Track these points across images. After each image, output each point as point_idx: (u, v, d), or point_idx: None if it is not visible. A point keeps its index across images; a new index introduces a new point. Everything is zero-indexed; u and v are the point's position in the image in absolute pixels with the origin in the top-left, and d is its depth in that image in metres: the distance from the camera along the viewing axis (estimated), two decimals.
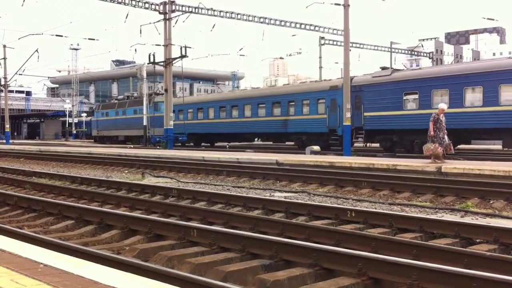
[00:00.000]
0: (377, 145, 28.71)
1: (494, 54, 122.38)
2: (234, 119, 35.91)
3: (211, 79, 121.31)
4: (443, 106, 15.99)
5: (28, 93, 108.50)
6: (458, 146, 29.10)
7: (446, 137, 15.54)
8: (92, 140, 57.70)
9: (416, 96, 24.44)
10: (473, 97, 22.78)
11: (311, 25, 38.34)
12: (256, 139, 41.60)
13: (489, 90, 21.76)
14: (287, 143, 37.84)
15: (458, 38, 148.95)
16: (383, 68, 29.70)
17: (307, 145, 29.23)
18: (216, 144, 41.19)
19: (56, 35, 48.99)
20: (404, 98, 25.29)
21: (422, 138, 21.94)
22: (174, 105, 38.61)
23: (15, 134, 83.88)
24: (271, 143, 41.15)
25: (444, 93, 23.48)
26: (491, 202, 9.87)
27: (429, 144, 15.41)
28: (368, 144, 29.14)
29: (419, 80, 24.81)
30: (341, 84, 26.43)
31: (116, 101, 55.68)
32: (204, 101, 40.32)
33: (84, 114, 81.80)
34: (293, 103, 31.29)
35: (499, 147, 27.55)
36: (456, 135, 21.46)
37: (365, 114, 27.01)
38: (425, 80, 24.47)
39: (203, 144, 40.70)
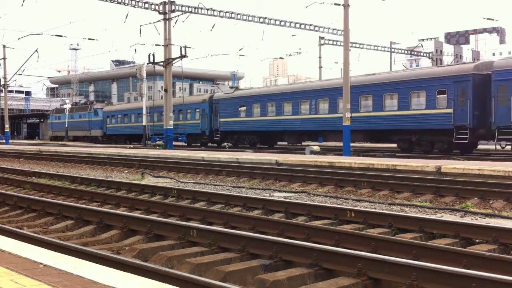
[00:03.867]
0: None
1: (494, 54, 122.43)
2: (140, 123, 46.87)
3: (211, 79, 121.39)
4: None
5: (28, 93, 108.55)
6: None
7: None
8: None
9: (245, 108, 35.54)
10: (288, 107, 32.57)
11: (311, 25, 38.36)
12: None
13: (295, 104, 31.80)
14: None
15: (458, 38, 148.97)
16: (231, 87, 43.99)
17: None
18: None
19: (56, 35, 48.89)
20: (240, 109, 35.97)
21: (251, 137, 35.90)
22: (107, 112, 53.57)
23: (15, 134, 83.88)
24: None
25: (258, 106, 34.43)
26: (491, 202, 9.88)
27: None
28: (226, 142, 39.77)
29: (247, 96, 36.17)
30: (208, 97, 39.65)
31: (66, 106, 65.50)
32: (130, 108, 52.00)
33: None
34: (181, 111, 41.26)
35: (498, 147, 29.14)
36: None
37: (220, 119, 37.55)
38: (249, 97, 35.75)
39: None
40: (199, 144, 40.22)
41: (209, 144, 39.89)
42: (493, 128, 22.53)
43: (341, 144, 36.35)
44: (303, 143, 36.35)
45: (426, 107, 24.62)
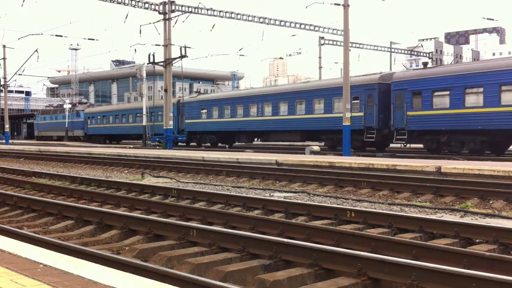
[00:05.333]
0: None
1: (494, 54, 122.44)
2: (117, 124, 52.71)
3: (211, 79, 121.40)
4: None
5: (28, 93, 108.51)
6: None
7: None
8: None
9: (206, 111, 39.11)
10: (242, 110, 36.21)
11: (311, 25, 38.35)
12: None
13: (246, 108, 35.62)
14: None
15: (458, 38, 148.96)
16: (195, 91, 48.25)
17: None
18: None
19: (56, 35, 49.04)
20: (201, 111, 39.53)
21: (211, 137, 39.22)
22: (88, 113, 58.67)
23: (15, 134, 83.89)
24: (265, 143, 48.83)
25: (216, 109, 37.89)
26: (491, 202, 9.88)
27: None
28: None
29: (207, 100, 39.69)
30: (176, 101, 41.72)
31: (51, 108, 70.83)
32: (108, 110, 57.02)
33: None
34: (153, 114, 45.60)
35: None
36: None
37: (186, 121, 40.87)
38: (209, 101, 39.39)
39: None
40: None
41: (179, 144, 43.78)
42: (392, 129, 26.36)
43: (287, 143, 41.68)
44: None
45: None
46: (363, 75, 29.98)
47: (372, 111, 27.11)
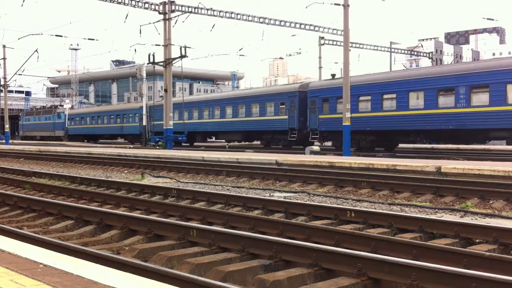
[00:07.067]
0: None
1: (493, 54, 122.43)
2: (93, 125, 56.88)
3: (211, 79, 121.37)
4: None
5: (28, 93, 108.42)
6: (459, 146, 31.17)
7: None
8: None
9: (171, 115, 40.18)
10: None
11: (311, 25, 38.36)
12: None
13: (200, 111, 40.61)
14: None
15: (458, 38, 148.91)
16: (161, 96, 49.74)
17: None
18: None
19: (56, 35, 48.97)
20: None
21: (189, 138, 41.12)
22: (69, 115, 63.01)
23: (16, 134, 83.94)
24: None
25: (176, 112, 39.44)
26: (491, 202, 9.88)
27: None
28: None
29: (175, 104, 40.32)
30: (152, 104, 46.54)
31: (34, 109, 75.46)
32: (86, 112, 61.89)
33: None
34: (125, 116, 48.82)
35: (499, 147, 32.34)
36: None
37: (154, 122, 43.66)
38: (172, 104, 39.89)
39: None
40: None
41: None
42: (308, 130, 31.08)
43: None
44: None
45: (274, 114, 33.70)
46: (287, 84, 34.18)
47: (294, 115, 31.98)
